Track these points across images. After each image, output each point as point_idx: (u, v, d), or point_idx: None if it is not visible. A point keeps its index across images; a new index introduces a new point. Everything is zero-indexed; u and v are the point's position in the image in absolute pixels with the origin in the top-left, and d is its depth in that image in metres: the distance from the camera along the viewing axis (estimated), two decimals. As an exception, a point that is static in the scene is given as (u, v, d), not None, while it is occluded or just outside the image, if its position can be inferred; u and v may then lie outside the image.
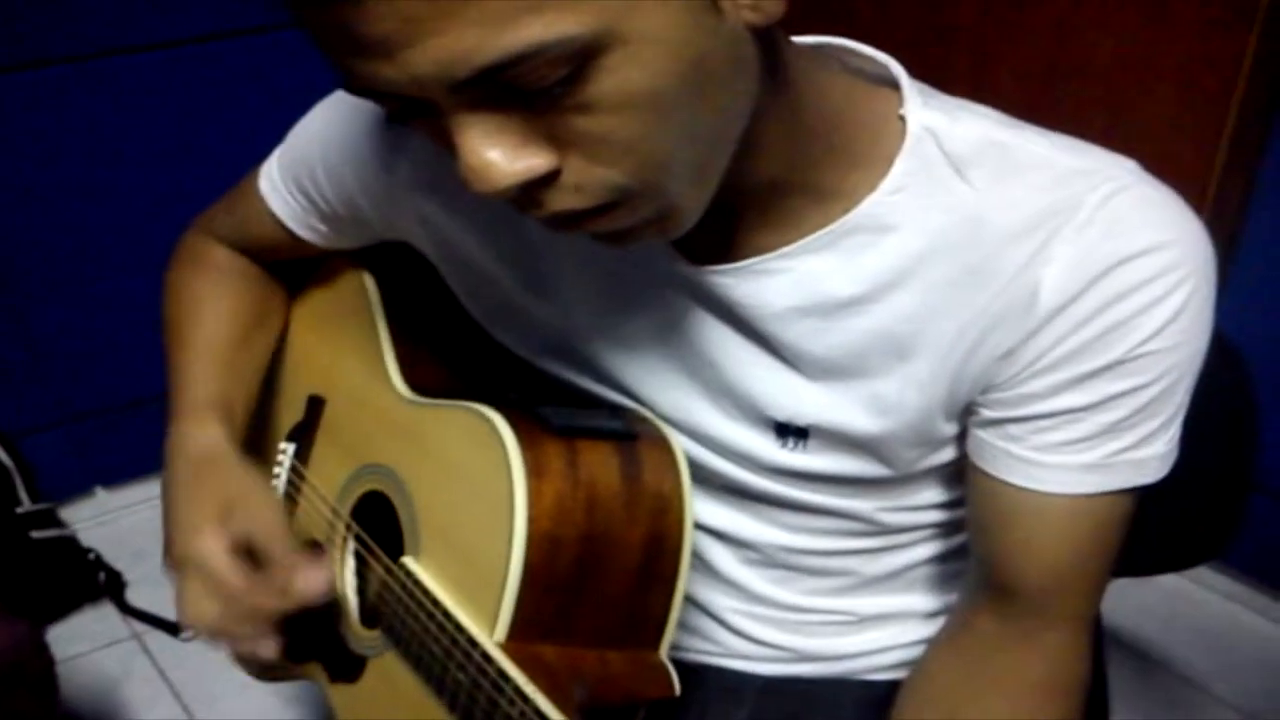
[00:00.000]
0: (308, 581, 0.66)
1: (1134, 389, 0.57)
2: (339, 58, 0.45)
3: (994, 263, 0.57)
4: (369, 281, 0.81)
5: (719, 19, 0.46)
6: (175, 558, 0.70)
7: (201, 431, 0.75)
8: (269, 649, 0.67)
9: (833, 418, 0.62)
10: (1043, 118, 0.60)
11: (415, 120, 0.48)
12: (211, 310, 0.81)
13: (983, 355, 0.58)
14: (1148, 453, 0.59)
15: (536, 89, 0.44)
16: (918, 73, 0.60)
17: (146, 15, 1.62)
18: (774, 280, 0.60)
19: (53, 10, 1.55)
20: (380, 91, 0.46)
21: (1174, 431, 0.59)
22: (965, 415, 0.62)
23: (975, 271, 0.57)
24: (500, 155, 0.45)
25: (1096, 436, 0.58)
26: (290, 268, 0.85)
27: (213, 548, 0.68)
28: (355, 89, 0.47)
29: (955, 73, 1.61)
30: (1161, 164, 0.59)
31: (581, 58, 0.43)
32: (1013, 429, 0.59)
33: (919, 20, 1.66)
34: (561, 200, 0.48)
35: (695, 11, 0.45)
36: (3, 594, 1.41)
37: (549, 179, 0.47)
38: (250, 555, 0.69)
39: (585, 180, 0.47)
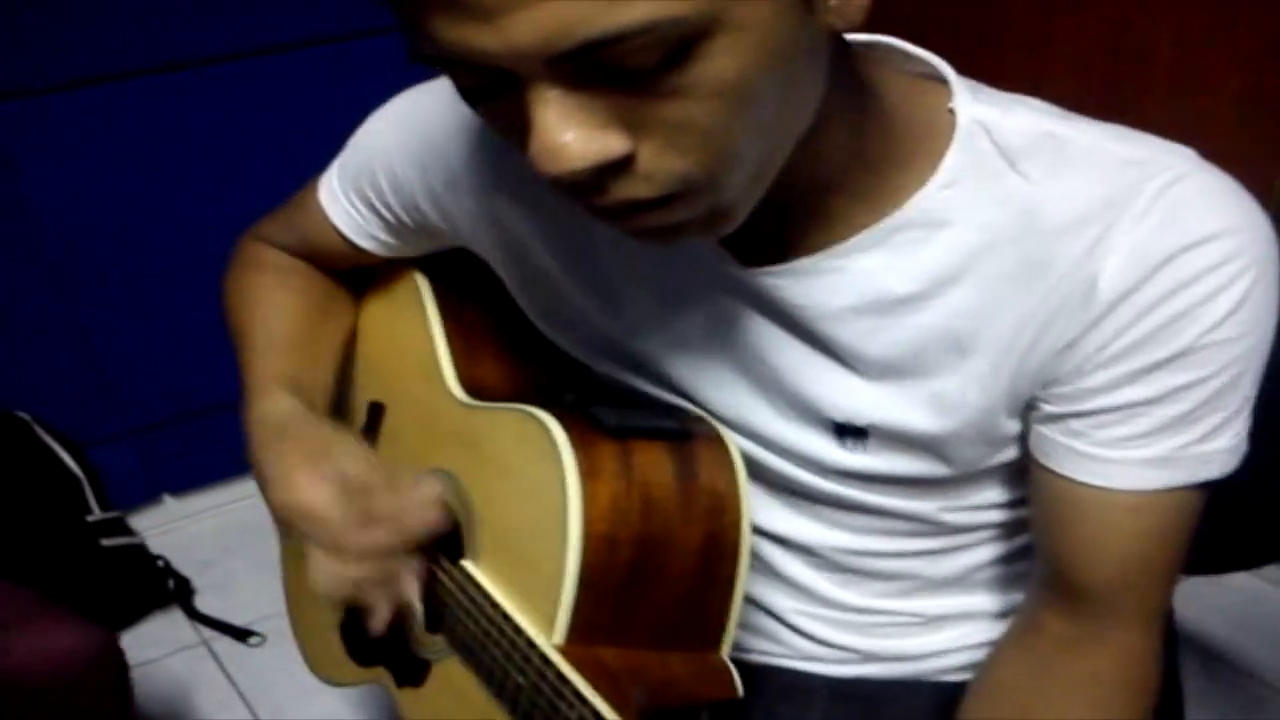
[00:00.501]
0: (417, 513, 0.66)
1: (1197, 381, 0.55)
2: (424, 19, 0.43)
3: (1051, 255, 0.56)
4: (422, 282, 0.81)
5: (810, 18, 0.46)
6: (280, 517, 0.69)
7: (272, 404, 0.73)
8: (409, 585, 0.66)
9: (892, 418, 0.61)
10: (1101, 109, 0.59)
11: (485, 99, 0.47)
12: (274, 303, 0.81)
13: (1043, 349, 0.57)
14: (1214, 447, 0.57)
15: (633, 70, 0.43)
16: (970, 68, 0.59)
17: (205, 30, 1.66)
18: (826, 280, 0.59)
19: (111, 26, 1.59)
20: (463, 61, 0.44)
21: (1241, 425, 0.58)
22: (1027, 411, 0.61)
23: (1032, 264, 0.56)
24: (576, 137, 0.44)
25: (1160, 430, 0.57)
26: (347, 275, 0.86)
27: (319, 491, 0.66)
28: (431, 56, 0.45)
29: (1008, 65, 1.59)
30: (1227, 154, 0.58)
31: (684, 41, 0.42)
32: (1075, 424, 0.58)
33: (972, 12, 1.64)
34: (628, 188, 0.47)
35: (792, 8, 0.45)
36: (75, 601, 1.44)
37: (619, 166, 0.46)
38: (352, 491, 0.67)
39: (656, 168, 0.46)
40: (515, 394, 0.73)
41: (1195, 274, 0.54)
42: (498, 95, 0.46)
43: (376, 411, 0.84)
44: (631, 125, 0.45)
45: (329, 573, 0.66)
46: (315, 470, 0.67)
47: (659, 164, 0.46)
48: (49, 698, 1.18)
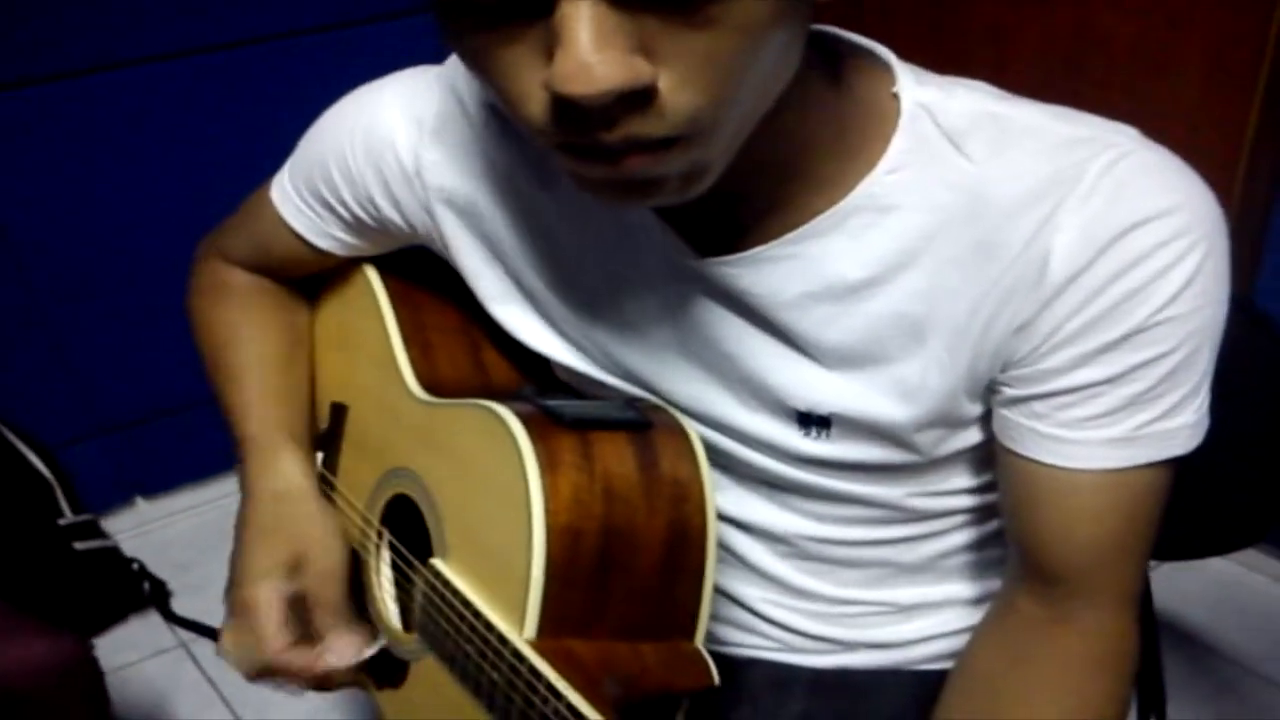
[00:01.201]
0: (335, 655, 0.71)
1: (1155, 358, 0.55)
2: None
3: (1001, 235, 0.56)
4: (374, 278, 0.80)
5: None
6: (234, 599, 0.73)
7: (279, 466, 0.76)
8: (297, 691, 0.73)
9: (854, 406, 0.61)
10: (1064, 96, 0.58)
11: (503, 19, 0.46)
12: (249, 340, 0.81)
13: (999, 330, 0.57)
14: (1176, 423, 0.57)
15: None
16: (935, 55, 0.59)
17: (172, 24, 1.63)
18: (782, 267, 0.59)
19: (77, 21, 1.56)
20: None
21: (1202, 400, 0.58)
22: (988, 394, 0.61)
23: (983, 246, 0.56)
24: (608, 58, 0.43)
25: (1122, 409, 0.57)
26: (305, 278, 0.85)
27: (267, 604, 0.71)
28: None
29: (973, 53, 1.59)
30: (1189, 143, 0.58)
31: None
32: (1037, 406, 0.58)
33: (936, 5, 1.64)
34: (638, 124, 0.46)
35: None
36: (49, 606, 1.43)
37: (637, 98, 0.45)
38: (301, 606, 0.73)
39: (672, 103, 0.46)
40: (473, 389, 0.73)
41: (1145, 251, 0.54)
42: (521, 15, 0.45)
43: (339, 413, 0.83)
44: (656, 55, 0.45)
45: (240, 658, 0.73)
46: (285, 581, 0.72)
47: (675, 98, 0.45)
48: (22, 709, 1.17)
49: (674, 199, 0.51)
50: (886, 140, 0.56)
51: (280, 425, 0.78)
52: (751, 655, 0.74)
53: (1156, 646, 0.88)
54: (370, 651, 0.73)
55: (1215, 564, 1.60)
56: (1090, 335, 0.55)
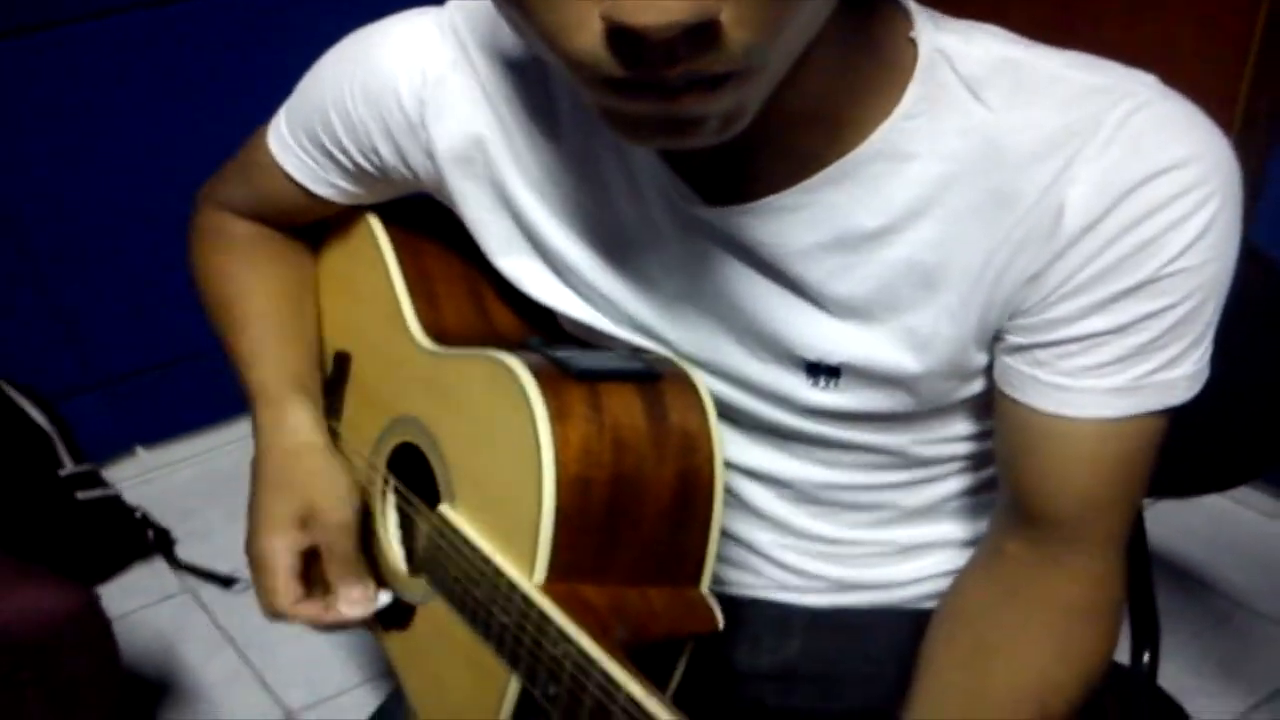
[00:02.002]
0: (346, 607, 0.73)
1: (1162, 309, 0.55)
2: None
3: (1016, 185, 0.55)
4: (376, 226, 0.80)
5: None
6: (249, 551, 0.74)
7: (286, 416, 0.76)
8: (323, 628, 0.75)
9: (865, 356, 0.61)
10: (1059, 34, 0.58)
11: None
12: (254, 289, 0.80)
13: (1010, 280, 0.57)
14: (1176, 374, 0.58)
15: None
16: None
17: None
18: (793, 217, 0.59)
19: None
20: None
21: (1203, 351, 0.58)
22: (993, 343, 0.61)
23: (997, 195, 0.56)
24: None
25: (1125, 359, 0.57)
26: (307, 226, 0.84)
27: (278, 559, 0.72)
28: None
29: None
30: (1187, 78, 0.57)
31: None
32: (1040, 354, 0.58)
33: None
34: (700, 60, 0.44)
35: None
36: (53, 556, 1.44)
37: (702, 31, 0.43)
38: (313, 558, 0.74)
39: (734, 38, 0.44)
40: (479, 339, 0.72)
41: (1160, 202, 0.53)
42: None
43: (342, 362, 0.83)
44: None
45: (261, 604, 0.74)
46: (296, 532, 0.73)
47: (735, 33, 0.44)
48: (33, 657, 1.19)
49: (711, 140, 0.50)
50: (903, 87, 0.56)
51: (289, 375, 0.78)
52: (752, 595, 0.75)
53: (1150, 581, 0.90)
54: (380, 604, 0.74)
55: (1209, 500, 1.61)
56: (1100, 285, 0.55)
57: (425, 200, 0.74)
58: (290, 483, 0.74)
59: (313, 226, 0.83)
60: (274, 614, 0.73)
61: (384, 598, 0.74)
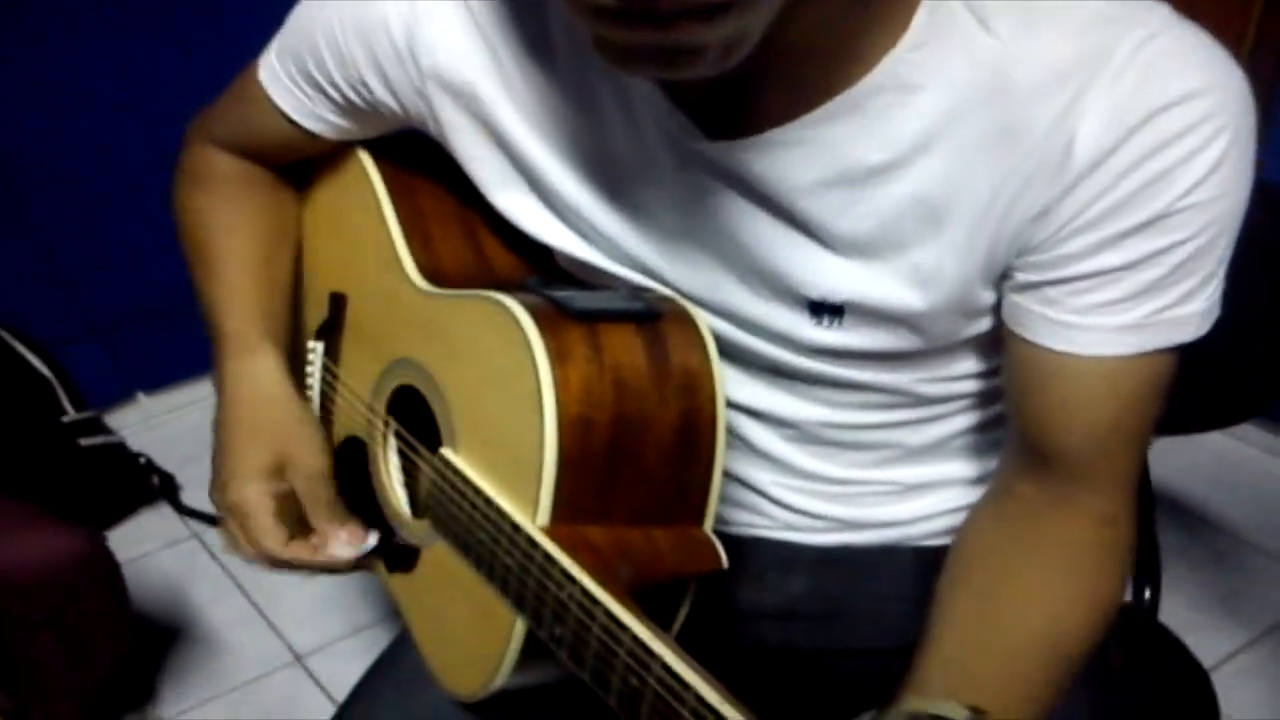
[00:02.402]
0: (337, 549, 0.72)
1: (1173, 245, 0.55)
2: None
3: (1024, 118, 0.54)
4: (368, 163, 0.78)
5: None
6: (223, 501, 0.73)
7: (255, 366, 0.76)
8: (308, 575, 0.75)
9: (869, 294, 0.60)
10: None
11: None
12: (232, 230, 0.79)
13: (1018, 216, 0.56)
14: (1188, 310, 0.57)
15: None
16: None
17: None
18: (796, 152, 0.57)
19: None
20: None
21: (1215, 288, 0.57)
22: (1001, 281, 0.60)
23: (1005, 128, 0.54)
24: None
25: (1135, 296, 0.56)
26: (296, 163, 0.83)
27: (259, 504, 0.72)
28: None
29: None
30: (1197, 7, 0.55)
31: None
32: (1050, 292, 0.58)
33: None
34: None
35: None
36: (59, 502, 1.45)
37: None
38: (291, 503, 0.73)
39: None
40: (476, 280, 0.72)
41: (1172, 135, 0.52)
42: None
43: (338, 303, 0.82)
44: None
45: (240, 551, 0.73)
46: (271, 480, 0.72)
47: None
48: (44, 601, 1.20)
49: (708, 71, 0.48)
50: (908, 17, 0.54)
51: (259, 323, 0.77)
52: (756, 534, 0.75)
53: (1152, 517, 0.90)
54: (368, 545, 0.74)
55: (1210, 437, 1.62)
56: (1110, 221, 0.54)
57: (417, 137, 0.72)
58: (261, 430, 0.74)
59: (302, 164, 0.82)
60: (264, 557, 0.73)
61: (372, 539, 0.74)
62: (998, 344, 0.63)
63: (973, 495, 0.72)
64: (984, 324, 0.63)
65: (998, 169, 0.55)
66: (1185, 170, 0.53)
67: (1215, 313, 0.58)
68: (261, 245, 0.80)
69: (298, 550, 0.72)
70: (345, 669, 1.49)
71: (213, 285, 0.78)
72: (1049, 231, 0.56)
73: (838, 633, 0.76)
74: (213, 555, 1.71)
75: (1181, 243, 0.55)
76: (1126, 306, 0.56)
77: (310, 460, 0.74)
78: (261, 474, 0.73)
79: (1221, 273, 0.57)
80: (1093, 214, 0.54)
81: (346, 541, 0.73)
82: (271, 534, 0.72)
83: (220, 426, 0.75)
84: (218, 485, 0.74)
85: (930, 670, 0.60)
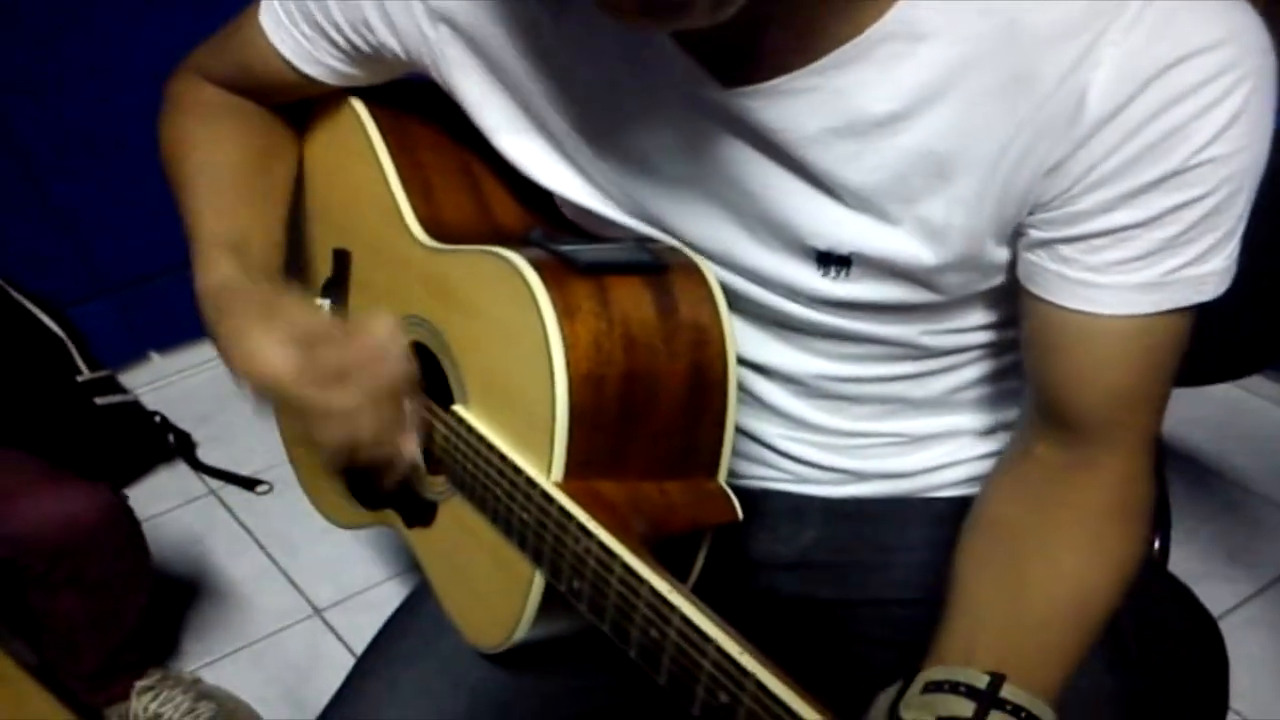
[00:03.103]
0: (384, 344, 0.65)
1: (1191, 201, 0.54)
2: None
3: (1036, 69, 0.53)
4: (363, 112, 0.77)
5: None
6: (251, 389, 0.66)
7: (213, 274, 0.70)
8: (407, 441, 0.67)
9: (876, 246, 0.60)
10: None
11: None
12: (210, 146, 0.76)
13: (1029, 170, 0.55)
14: (1206, 269, 0.56)
15: None
16: None
17: None
18: (804, 100, 0.56)
19: None
20: None
21: (1234, 245, 0.57)
22: (1015, 238, 0.59)
23: (1016, 79, 0.53)
24: None
25: (1153, 254, 0.55)
26: (289, 109, 0.80)
27: (272, 359, 0.63)
28: None
29: None
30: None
31: None
32: (1064, 250, 0.57)
33: None
34: None
35: None
36: (77, 461, 1.46)
37: None
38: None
39: None
40: (479, 232, 0.71)
41: (1189, 88, 0.51)
42: None
43: (343, 259, 0.81)
44: None
45: (320, 440, 0.64)
46: (269, 332, 0.64)
47: None
48: (68, 559, 1.22)
49: (703, 21, 0.48)
50: None
51: (219, 240, 0.71)
52: (766, 487, 0.76)
53: (1162, 468, 0.90)
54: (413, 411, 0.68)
55: (1219, 388, 1.62)
56: (1126, 177, 0.53)
57: (413, 85, 0.71)
58: (229, 311, 0.67)
59: (294, 107, 0.80)
60: (324, 433, 0.64)
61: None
62: (1007, 296, 0.63)
63: (982, 446, 0.72)
64: (997, 280, 0.62)
65: (1008, 121, 0.54)
66: (1201, 125, 0.52)
67: (1233, 271, 0.57)
68: (242, 159, 0.76)
69: (347, 389, 0.63)
70: (364, 621, 1.51)
71: (193, 220, 0.74)
72: (1062, 187, 0.55)
73: (850, 582, 0.77)
74: (230, 512, 1.73)
75: (1199, 198, 0.54)
76: (1143, 264, 0.56)
77: (300, 303, 0.68)
78: (259, 327, 0.65)
79: (1240, 230, 0.57)
80: (1106, 170, 0.54)
81: (389, 336, 0.65)
82: (306, 371, 0.62)
83: (212, 339, 0.69)
84: (235, 374, 0.66)
85: (954, 642, 0.60)
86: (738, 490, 0.66)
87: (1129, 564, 0.63)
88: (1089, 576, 0.62)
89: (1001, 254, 0.60)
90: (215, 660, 1.49)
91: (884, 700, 0.59)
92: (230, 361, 0.66)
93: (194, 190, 0.75)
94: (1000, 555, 0.63)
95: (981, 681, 0.56)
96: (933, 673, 0.58)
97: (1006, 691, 0.56)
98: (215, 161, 0.76)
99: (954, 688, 0.56)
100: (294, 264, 0.84)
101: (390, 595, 1.56)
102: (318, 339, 0.64)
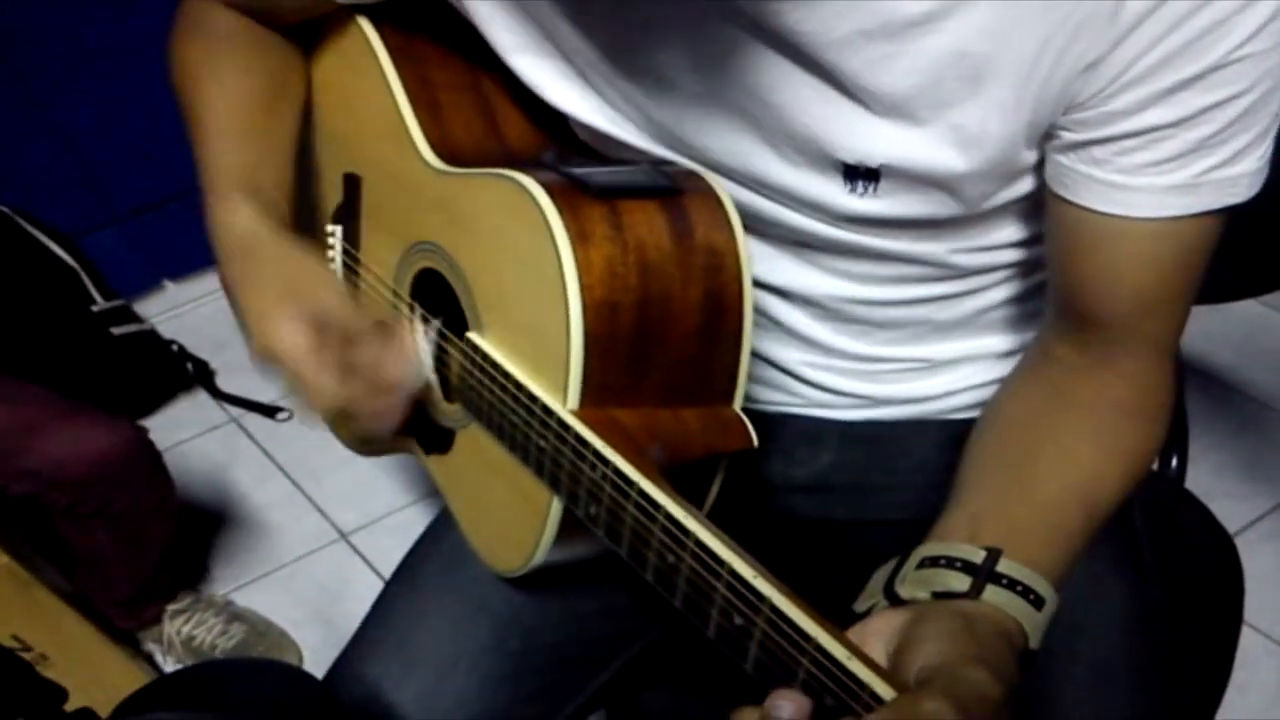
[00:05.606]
0: (393, 364, 0.66)
1: (1227, 99, 0.52)
2: None
3: None
4: (370, 33, 0.75)
5: None
6: (260, 352, 0.68)
7: (232, 217, 0.70)
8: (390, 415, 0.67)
9: (908, 156, 0.58)
10: None
11: None
12: (223, 79, 0.75)
13: (1064, 70, 0.53)
14: (1239, 170, 0.55)
15: None
16: None
17: None
18: (832, 0, 0.54)
19: None
20: None
21: (1267, 147, 0.55)
22: (1045, 140, 0.57)
23: None
24: None
25: (1185, 155, 0.54)
26: (295, 30, 0.79)
27: (290, 340, 0.65)
28: None
29: None
30: None
31: None
32: (1096, 151, 0.55)
33: None
34: None
35: None
36: (95, 392, 1.48)
37: None
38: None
39: None
40: (490, 154, 0.70)
41: None
42: None
43: (353, 184, 0.80)
44: None
45: (307, 405, 0.65)
46: (293, 311, 0.64)
47: None
48: (94, 492, 1.23)
49: None
50: None
51: (233, 178, 0.71)
52: (784, 411, 0.76)
53: (1181, 385, 0.90)
54: (428, 339, 0.70)
55: (1241, 305, 1.60)
56: (1162, 74, 0.52)
57: (420, 4, 0.69)
58: (251, 274, 0.68)
59: (301, 29, 0.79)
60: (324, 397, 0.65)
61: (428, 335, 0.69)
62: (1037, 210, 0.61)
63: (1003, 368, 0.71)
64: (1024, 186, 0.61)
65: (1045, 19, 0.52)
66: (1241, 19, 0.50)
67: (1265, 173, 0.56)
68: (253, 95, 0.75)
69: (353, 385, 0.65)
70: (389, 544, 1.54)
71: (198, 135, 0.74)
72: (1098, 86, 0.53)
73: (866, 504, 0.77)
74: (252, 439, 1.74)
75: (1235, 97, 0.52)
76: (1176, 165, 0.54)
77: (318, 279, 0.68)
78: (279, 305, 0.66)
79: (1275, 130, 0.55)
80: (1142, 67, 0.52)
81: (410, 348, 0.67)
82: (320, 361, 0.64)
83: (223, 284, 0.71)
84: (248, 331, 0.69)
85: (956, 522, 0.59)
86: (755, 415, 0.65)
87: (1141, 459, 0.63)
88: (1101, 465, 0.61)
89: (1030, 157, 0.59)
90: (245, 584, 1.53)
91: (880, 577, 0.59)
92: (246, 318, 0.68)
93: (205, 120, 0.74)
94: (1013, 445, 0.63)
95: (977, 556, 0.55)
96: (928, 548, 0.57)
97: (1003, 566, 0.55)
98: (228, 92, 0.75)
99: (950, 563, 0.55)
100: (305, 190, 0.83)
101: (414, 519, 1.59)
102: (340, 333, 0.65)
